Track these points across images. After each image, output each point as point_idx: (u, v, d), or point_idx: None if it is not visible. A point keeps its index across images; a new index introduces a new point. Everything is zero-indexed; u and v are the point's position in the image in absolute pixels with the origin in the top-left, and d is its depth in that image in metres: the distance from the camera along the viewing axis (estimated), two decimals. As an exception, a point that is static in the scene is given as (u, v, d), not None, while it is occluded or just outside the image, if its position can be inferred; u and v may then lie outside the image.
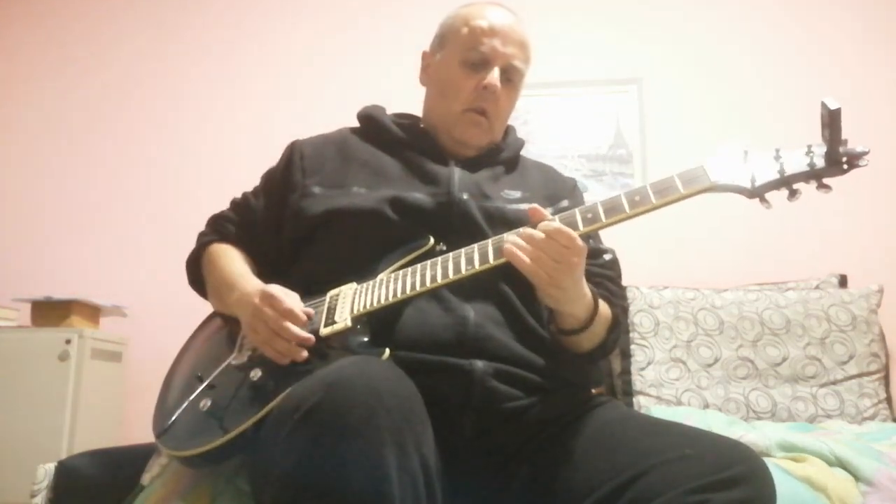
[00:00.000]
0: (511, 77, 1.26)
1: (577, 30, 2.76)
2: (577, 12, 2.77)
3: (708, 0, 2.74)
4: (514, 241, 1.00)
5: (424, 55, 1.36)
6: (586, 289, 1.08)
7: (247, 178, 1.39)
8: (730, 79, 2.65)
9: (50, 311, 2.40)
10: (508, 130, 1.38)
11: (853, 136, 0.93)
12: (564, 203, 1.26)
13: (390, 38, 2.77)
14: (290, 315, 1.03)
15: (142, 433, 1.23)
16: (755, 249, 2.48)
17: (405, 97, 1.45)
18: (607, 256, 1.25)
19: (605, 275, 1.22)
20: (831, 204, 2.48)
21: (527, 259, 0.98)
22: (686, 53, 2.70)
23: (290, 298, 1.06)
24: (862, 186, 2.48)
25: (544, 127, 2.66)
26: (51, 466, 1.43)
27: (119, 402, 2.51)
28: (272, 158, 1.34)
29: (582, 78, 2.70)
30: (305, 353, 1.01)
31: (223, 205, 1.37)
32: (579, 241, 0.99)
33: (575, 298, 1.05)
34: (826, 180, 0.96)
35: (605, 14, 2.76)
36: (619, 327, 1.19)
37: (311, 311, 1.07)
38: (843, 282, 2.27)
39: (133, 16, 2.95)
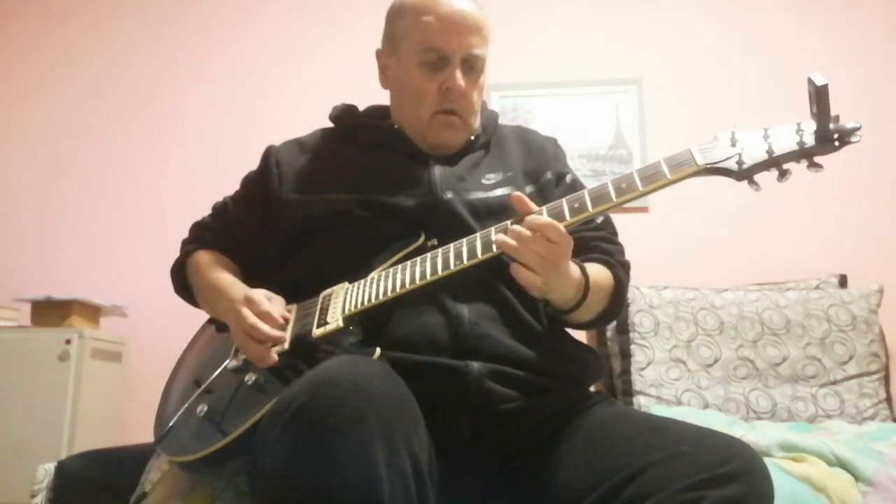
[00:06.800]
0: (473, 65, 1.19)
1: (577, 30, 2.76)
2: (578, 12, 2.77)
3: (708, 0, 2.74)
4: (500, 240, 0.98)
5: (378, 54, 1.29)
6: (572, 270, 1.05)
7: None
8: (730, 79, 2.65)
9: (50, 311, 2.39)
10: (482, 108, 1.31)
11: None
12: (548, 175, 1.24)
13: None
14: (265, 317, 1.03)
15: (142, 433, 1.23)
16: (755, 249, 2.48)
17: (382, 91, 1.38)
18: (599, 218, 1.20)
19: (598, 236, 1.20)
20: (831, 204, 2.50)
21: (515, 243, 0.96)
22: (686, 53, 2.70)
23: (270, 303, 1.06)
24: (862, 187, 2.48)
25: (544, 127, 2.61)
26: (51, 466, 1.43)
27: (119, 403, 2.51)
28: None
29: (582, 78, 2.69)
30: (276, 357, 1.01)
31: (222, 204, 1.37)
32: (566, 236, 0.97)
33: (562, 286, 1.03)
34: (817, 159, 0.93)
35: (605, 14, 2.76)
36: (623, 289, 1.17)
37: (288, 314, 1.07)
38: (843, 282, 2.27)
39: (133, 17, 2.94)
